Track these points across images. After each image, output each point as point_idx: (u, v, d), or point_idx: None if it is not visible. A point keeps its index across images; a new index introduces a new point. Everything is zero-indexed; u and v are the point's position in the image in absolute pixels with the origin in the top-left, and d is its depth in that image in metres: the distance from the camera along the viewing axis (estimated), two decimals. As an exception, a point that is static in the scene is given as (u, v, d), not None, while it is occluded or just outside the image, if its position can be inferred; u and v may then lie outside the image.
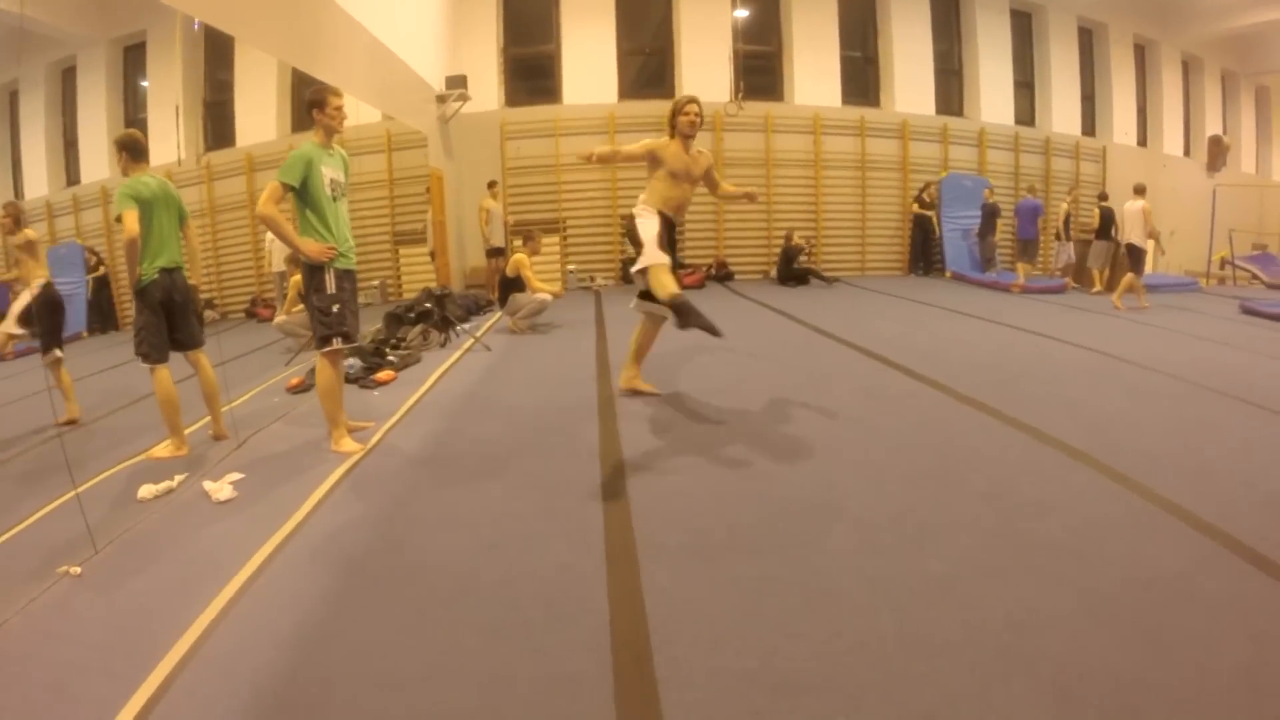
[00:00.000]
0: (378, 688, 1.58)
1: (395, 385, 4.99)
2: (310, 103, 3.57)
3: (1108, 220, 11.45)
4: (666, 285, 3.76)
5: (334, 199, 3.59)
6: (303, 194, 3.47)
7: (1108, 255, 11.52)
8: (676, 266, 4.10)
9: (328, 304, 3.55)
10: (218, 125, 11.02)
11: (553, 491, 2.86)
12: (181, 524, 2.71)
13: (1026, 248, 11.39)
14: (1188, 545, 2.34)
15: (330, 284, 3.55)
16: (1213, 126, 16.56)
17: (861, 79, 12.87)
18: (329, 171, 3.56)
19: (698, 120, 4.07)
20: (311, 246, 3.49)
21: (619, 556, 2.23)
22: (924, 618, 1.87)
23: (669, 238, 4.08)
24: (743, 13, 12.61)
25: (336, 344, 3.60)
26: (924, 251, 12.55)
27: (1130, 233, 10.15)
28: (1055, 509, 2.63)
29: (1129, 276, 9.43)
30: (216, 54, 11.17)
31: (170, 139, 10.81)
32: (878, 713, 1.49)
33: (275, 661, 1.69)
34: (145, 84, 11.34)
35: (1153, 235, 9.77)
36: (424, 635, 1.82)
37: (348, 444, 3.58)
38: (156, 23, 10.19)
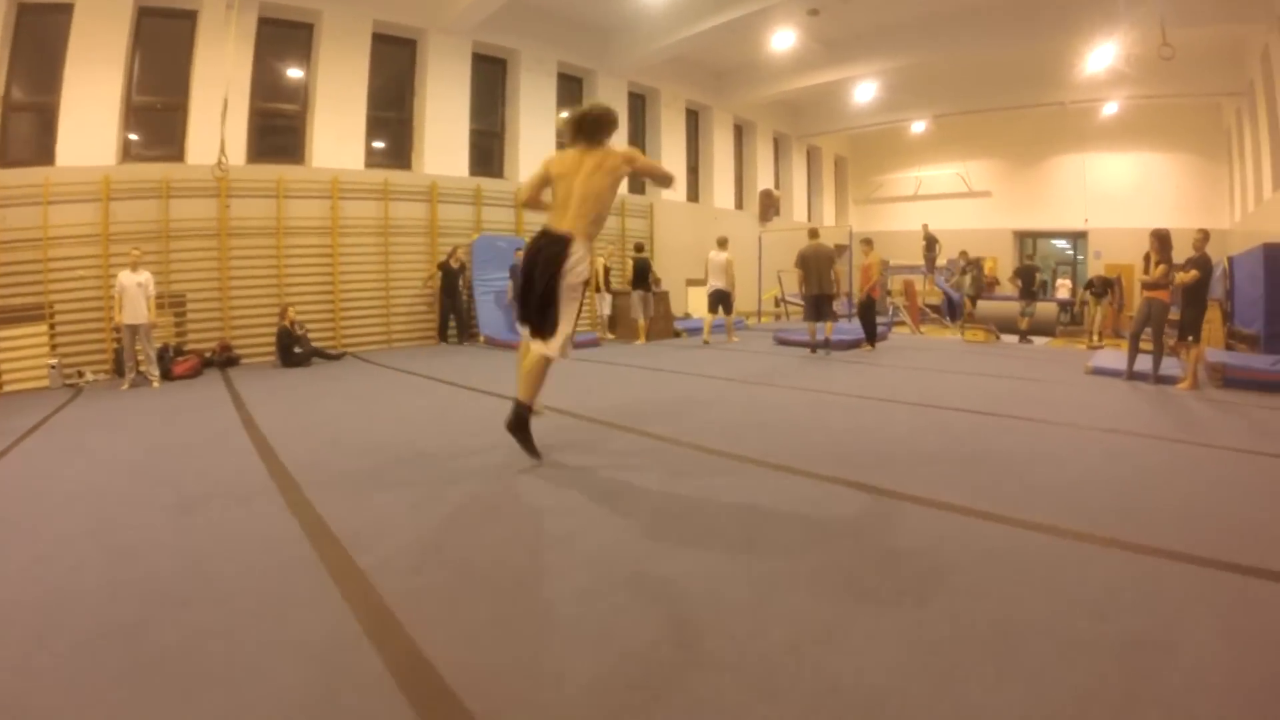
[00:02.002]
0: None
1: None
2: None
3: (643, 270, 13.20)
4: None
5: None
6: None
7: (645, 304, 13.29)
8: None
9: None
10: None
11: None
12: None
13: None
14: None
15: None
16: (765, 181, 19.37)
17: (392, 141, 13.73)
18: None
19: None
20: None
21: None
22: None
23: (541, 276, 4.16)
24: (299, 71, 13.07)
25: None
26: (455, 316, 13.36)
27: (716, 279, 12.81)
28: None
29: (729, 317, 13.12)
30: None
31: None
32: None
33: None
34: None
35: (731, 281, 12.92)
36: None
37: None
38: None
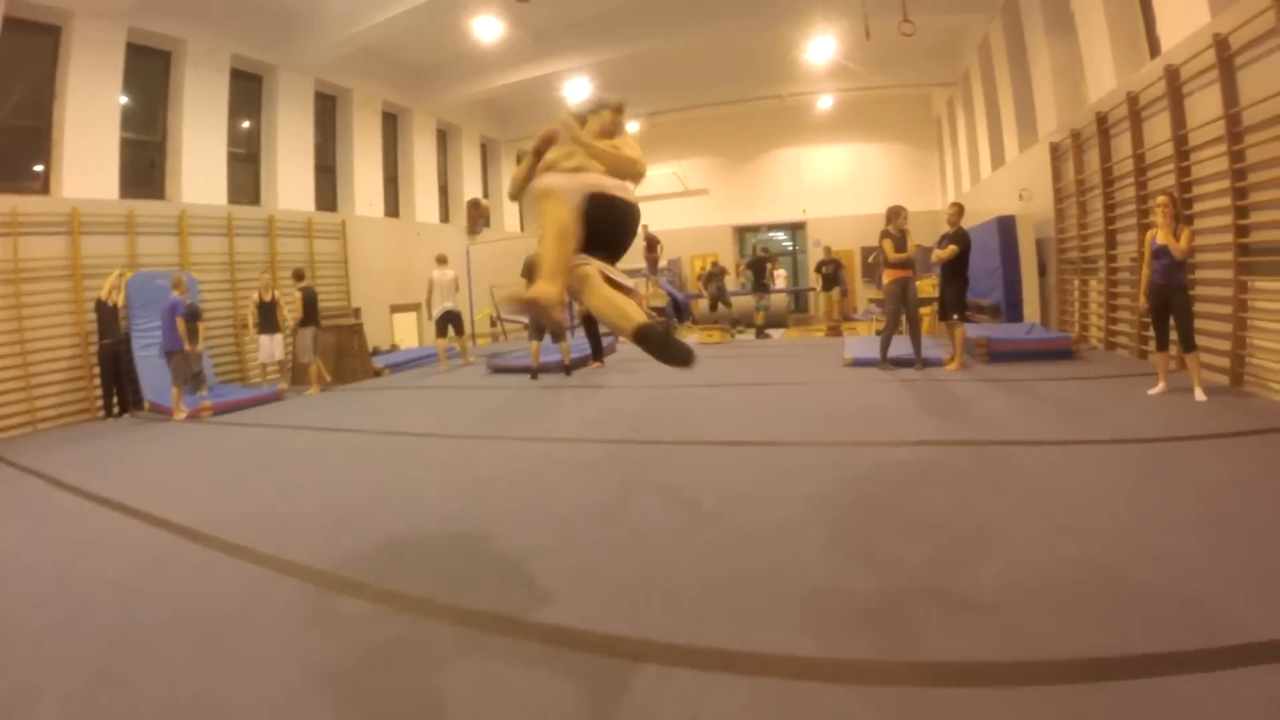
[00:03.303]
0: None
1: None
2: None
3: (311, 302, 12.78)
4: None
5: None
6: None
7: (316, 343, 12.80)
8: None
9: None
10: None
11: None
12: None
13: (171, 362, 11.10)
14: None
15: None
16: (473, 191, 19.79)
17: (21, 157, 12.48)
18: None
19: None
20: None
21: None
22: None
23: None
24: None
25: None
26: (116, 379, 11.89)
27: (445, 299, 13.57)
28: None
29: (464, 338, 14.07)
30: None
31: None
32: None
33: None
34: None
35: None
36: None
37: None
38: None
